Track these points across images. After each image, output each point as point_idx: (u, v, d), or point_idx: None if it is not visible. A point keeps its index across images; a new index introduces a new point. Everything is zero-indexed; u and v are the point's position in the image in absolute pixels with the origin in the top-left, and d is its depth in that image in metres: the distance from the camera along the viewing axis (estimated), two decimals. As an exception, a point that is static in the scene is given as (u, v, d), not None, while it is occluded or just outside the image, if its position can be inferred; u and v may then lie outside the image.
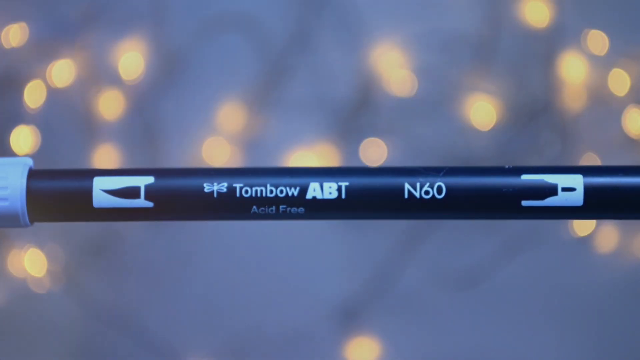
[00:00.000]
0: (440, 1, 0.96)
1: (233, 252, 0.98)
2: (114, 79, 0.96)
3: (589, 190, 0.35)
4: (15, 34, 0.94)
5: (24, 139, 0.93)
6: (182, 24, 0.96)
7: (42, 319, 0.98)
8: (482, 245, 0.95)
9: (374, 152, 0.95)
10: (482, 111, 0.94)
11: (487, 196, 0.36)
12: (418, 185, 0.37)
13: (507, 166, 0.37)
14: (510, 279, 0.95)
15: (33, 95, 0.94)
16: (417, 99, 0.95)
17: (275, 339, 0.96)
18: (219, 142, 0.96)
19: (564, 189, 0.35)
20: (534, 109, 0.94)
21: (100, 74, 0.96)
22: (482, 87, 0.95)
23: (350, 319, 0.97)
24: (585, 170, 0.36)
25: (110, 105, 0.96)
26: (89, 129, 0.96)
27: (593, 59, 0.93)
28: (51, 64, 0.94)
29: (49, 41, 0.95)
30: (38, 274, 0.96)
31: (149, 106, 0.96)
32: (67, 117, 0.96)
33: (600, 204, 0.35)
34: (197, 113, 0.96)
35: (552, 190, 0.35)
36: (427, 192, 0.37)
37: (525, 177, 0.36)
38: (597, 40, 0.93)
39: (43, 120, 0.94)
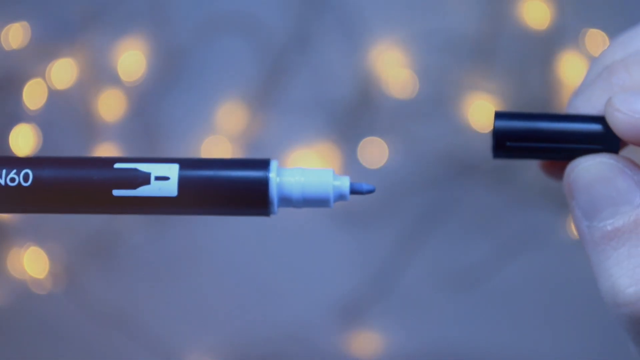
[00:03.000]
0: (440, 1, 0.96)
1: (233, 252, 0.98)
2: (114, 79, 0.96)
3: (184, 180, 0.34)
4: (16, 34, 0.94)
5: (24, 138, 0.93)
6: (182, 24, 0.96)
7: (42, 319, 0.98)
8: (481, 245, 0.96)
9: (374, 152, 0.95)
10: (482, 111, 0.94)
11: (77, 185, 0.34)
12: (4, 172, 0.34)
13: (103, 156, 0.35)
14: (509, 279, 0.95)
15: (33, 95, 0.94)
16: (417, 99, 0.95)
17: (276, 337, 0.96)
18: (219, 141, 0.96)
19: (158, 178, 0.34)
20: (534, 109, 0.94)
21: (100, 74, 0.96)
22: (482, 87, 0.95)
23: (352, 316, 0.97)
24: (183, 161, 0.35)
25: (110, 105, 0.96)
26: (89, 129, 0.96)
27: (593, 59, 0.93)
28: (51, 63, 0.95)
29: (49, 41, 0.95)
30: (38, 275, 0.96)
31: (149, 106, 0.96)
32: (67, 116, 0.96)
33: (195, 194, 0.34)
34: (197, 113, 0.96)
35: (145, 179, 0.34)
36: (12, 180, 0.34)
37: (118, 166, 0.35)
38: (597, 40, 0.93)
39: (43, 120, 0.94)
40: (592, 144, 0.34)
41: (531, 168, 0.93)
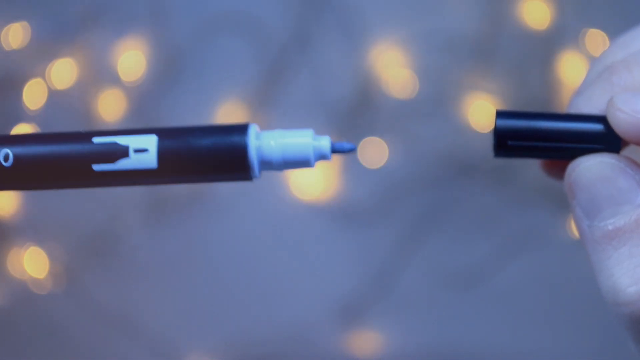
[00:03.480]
0: (440, 1, 0.96)
1: (233, 252, 0.98)
2: (114, 79, 0.96)
3: (163, 151, 0.34)
4: (16, 34, 0.94)
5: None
6: (183, 23, 0.96)
7: (42, 319, 0.98)
8: (481, 245, 0.95)
9: (374, 152, 0.95)
10: (482, 111, 0.94)
11: (57, 162, 0.34)
12: None
13: (82, 131, 0.35)
14: (509, 279, 0.95)
15: (33, 95, 0.94)
16: (417, 99, 0.95)
17: (276, 337, 0.96)
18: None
19: (137, 151, 0.34)
20: (534, 109, 0.94)
21: (100, 74, 0.96)
22: (482, 87, 0.95)
23: (352, 316, 0.97)
24: (161, 132, 0.34)
25: (110, 105, 0.96)
26: (90, 129, 0.96)
27: (593, 59, 0.93)
28: (51, 63, 0.95)
29: (49, 41, 0.95)
30: (38, 275, 0.96)
31: (149, 106, 0.96)
32: (67, 116, 0.96)
33: (175, 164, 0.34)
34: (197, 112, 0.96)
35: (123, 152, 0.34)
36: None
37: (97, 140, 0.34)
38: (597, 40, 0.93)
39: (43, 120, 0.94)
40: (594, 144, 0.34)
41: (531, 168, 0.93)
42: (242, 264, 0.98)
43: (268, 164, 0.35)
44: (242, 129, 0.34)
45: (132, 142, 0.34)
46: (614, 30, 0.94)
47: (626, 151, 0.35)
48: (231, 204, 0.96)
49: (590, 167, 0.33)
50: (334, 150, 0.35)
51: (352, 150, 0.36)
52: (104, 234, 0.97)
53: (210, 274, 0.98)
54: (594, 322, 0.91)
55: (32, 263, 0.96)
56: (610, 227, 0.32)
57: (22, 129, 0.93)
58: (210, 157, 0.34)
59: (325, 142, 0.35)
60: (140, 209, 0.97)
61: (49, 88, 0.95)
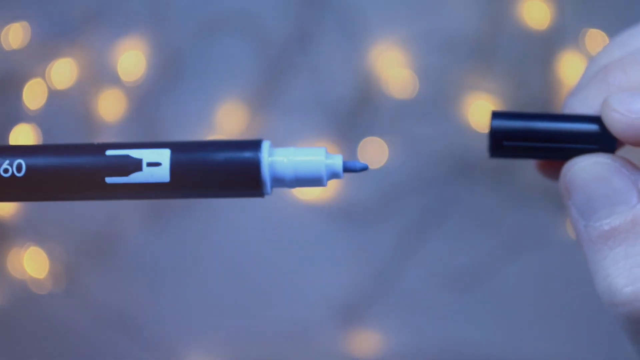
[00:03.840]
0: (440, 1, 0.96)
1: (233, 252, 0.98)
2: (114, 79, 0.96)
3: (175, 166, 0.34)
4: (16, 34, 0.94)
5: (24, 138, 0.93)
6: (183, 23, 0.96)
7: (42, 319, 0.98)
8: (481, 245, 0.95)
9: (374, 152, 0.95)
10: (482, 111, 0.94)
11: (70, 173, 0.34)
12: None
13: (95, 143, 0.35)
14: (509, 279, 0.95)
15: (33, 95, 0.94)
16: (417, 99, 0.95)
17: (276, 337, 0.96)
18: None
19: (150, 164, 0.34)
20: (533, 109, 0.94)
21: (100, 74, 0.96)
22: (482, 87, 0.95)
23: (352, 315, 0.97)
24: (174, 145, 0.34)
25: (110, 105, 0.96)
26: (89, 129, 0.96)
27: (590, 59, 0.93)
28: (51, 63, 0.95)
29: (49, 41, 0.95)
30: (38, 275, 0.96)
31: (149, 106, 0.96)
32: (67, 116, 0.96)
33: (187, 179, 0.34)
34: (197, 113, 0.96)
35: (136, 165, 0.34)
36: (5, 170, 0.34)
37: (110, 153, 0.34)
38: (597, 40, 0.93)
39: (43, 120, 0.94)
40: (589, 144, 0.34)
41: (531, 168, 0.93)
42: (242, 263, 0.98)
43: (280, 181, 0.35)
44: (255, 145, 0.34)
45: (145, 155, 0.34)
46: (614, 30, 0.94)
47: (621, 151, 0.35)
48: (231, 204, 0.96)
49: (586, 167, 0.33)
50: (346, 169, 0.35)
51: (364, 169, 0.36)
52: (104, 234, 0.97)
53: (210, 273, 0.98)
54: (594, 322, 0.91)
55: (32, 263, 0.96)
56: (606, 227, 0.32)
57: (22, 129, 0.93)
58: (223, 172, 0.34)
59: (337, 161, 0.35)
60: (140, 209, 0.97)
61: (49, 88, 0.95)
